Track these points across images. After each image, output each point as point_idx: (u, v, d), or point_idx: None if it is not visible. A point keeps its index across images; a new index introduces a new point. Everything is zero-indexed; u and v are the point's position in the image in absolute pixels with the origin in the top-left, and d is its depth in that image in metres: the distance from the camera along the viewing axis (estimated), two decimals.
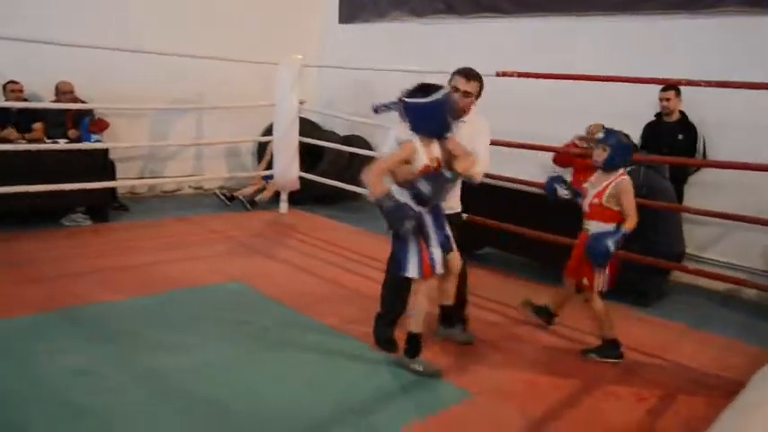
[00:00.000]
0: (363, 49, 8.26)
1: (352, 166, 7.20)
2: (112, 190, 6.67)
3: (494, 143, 5.34)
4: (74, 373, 3.31)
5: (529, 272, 5.61)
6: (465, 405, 3.28)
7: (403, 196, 3.31)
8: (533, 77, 5.28)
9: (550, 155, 5.86)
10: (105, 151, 6.33)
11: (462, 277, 3.92)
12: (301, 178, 7.04)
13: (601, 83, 5.20)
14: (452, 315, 3.88)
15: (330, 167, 7.44)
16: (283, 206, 7.34)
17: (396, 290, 3.74)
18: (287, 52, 6.88)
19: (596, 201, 3.82)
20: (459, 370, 3.66)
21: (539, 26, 6.65)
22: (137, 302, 4.30)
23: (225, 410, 3.07)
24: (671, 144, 5.47)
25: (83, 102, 6.52)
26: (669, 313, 4.87)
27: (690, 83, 4.62)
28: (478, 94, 3.68)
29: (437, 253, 3.41)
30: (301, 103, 7.03)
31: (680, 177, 5.48)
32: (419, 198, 3.30)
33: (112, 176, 6.52)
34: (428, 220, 3.40)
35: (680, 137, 5.49)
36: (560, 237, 4.95)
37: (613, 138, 3.82)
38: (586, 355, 3.95)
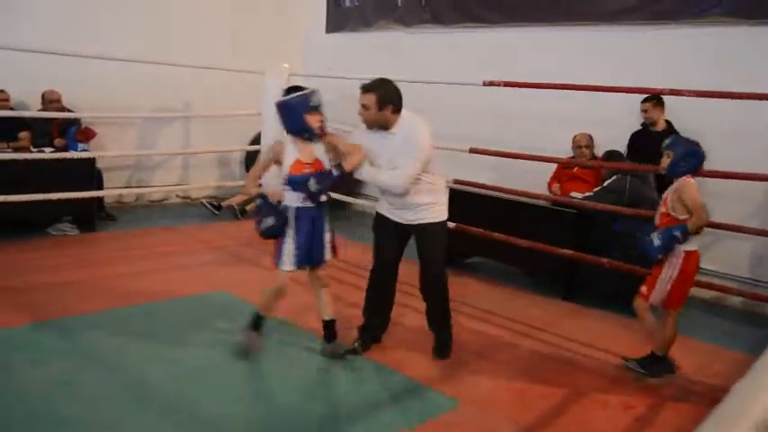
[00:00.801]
0: (350, 58, 8.28)
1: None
2: (99, 199, 6.64)
3: (478, 152, 5.46)
4: (57, 382, 3.28)
5: (518, 281, 5.63)
6: (454, 414, 3.28)
7: (292, 196, 3.53)
8: (519, 87, 5.32)
9: (536, 163, 5.88)
10: (92, 160, 6.28)
11: (442, 294, 3.96)
12: None
13: (588, 92, 5.24)
14: (329, 330, 3.84)
15: None
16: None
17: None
18: (273, 61, 6.88)
19: (663, 210, 3.69)
20: (448, 379, 3.66)
21: (524, 36, 6.70)
22: (122, 312, 4.27)
23: (211, 419, 3.05)
24: (657, 153, 5.49)
25: (69, 111, 6.50)
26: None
27: (673, 92, 4.66)
28: (381, 106, 3.53)
29: (291, 250, 3.55)
30: None
31: (666, 187, 5.49)
32: (310, 196, 3.50)
33: (99, 186, 6.49)
34: (301, 223, 3.54)
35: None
36: (550, 246, 4.97)
37: (678, 144, 3.78)
38: (629, 363, 3.87)
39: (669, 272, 3.62)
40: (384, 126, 3.61)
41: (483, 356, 4.03)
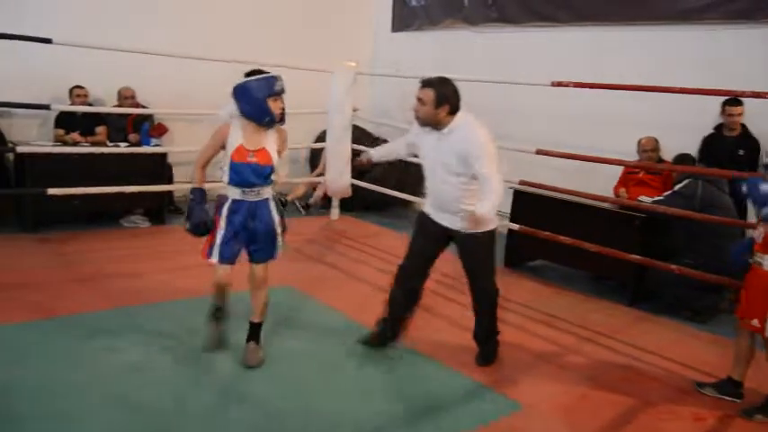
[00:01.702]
0: (415, 57, 8.28)
1: (403, 174, 7.23)
2: (169, 193, 6.85)
3: (546, 153, 5.38)
4: (130, 368, 3.41)
5: (582, 285, 5.52)
6: (516, 417, 3.26)
7: (231, 187, 3.39)
8: (589, 87, 5.21)
9: (604, 166, 5.75)
10: (164, 155, 6.50)
11: (491, 309, 3.80)
12: (353, 185, 7.09)
13: (656, 93, 5.09)
14: (252, 331, 3.66)
15: (382, 175, 7.47)
16: (334, 212, 7.41)
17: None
18: (339, 60, 6.94)
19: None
20: (511, 382, 3.63)
21: (593, 35, 6.56)
22: (191, 303, 4.37)
23: (277, 412, 3.12)
24: (731, 158, 5.31)
25: (143, 107, 6.72)
26: (727, 331, 4.72)
27: (755, 94, 4.46)
28: (438, 104, 3.41)
29: (218, 243, 3.40)
30: (355, 110, 7.07)
31: (738, 194, 5.31)
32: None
33: (170, 180, 6.69)
34: (234, 217, 3.39)
35: (740, 152, 5.32)
36: (616, 250, 4.86)
37: None
38: (703, 388, 3.66)
39: None
40: (436, 125, 3.47)
41: (547, 360, 3.98)
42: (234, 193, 3.40)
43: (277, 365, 3.62)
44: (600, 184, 5.75)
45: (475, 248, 3.62)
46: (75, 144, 6.22)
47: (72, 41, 5.32)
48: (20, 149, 5.61)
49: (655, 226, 5.07)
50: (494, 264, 3.73)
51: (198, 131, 7.61)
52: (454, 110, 3.46)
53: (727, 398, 3.58)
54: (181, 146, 7.20)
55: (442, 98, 3.41)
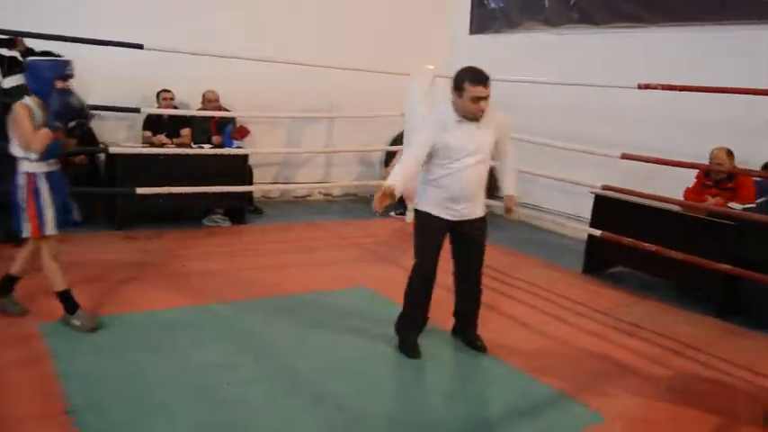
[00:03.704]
0: (494, 60, 8.14)
1: None
2: (249, 193, 7.02)
3: (631, 158, 5.19)
4: (214, 364, 3.50)
5: (665, 294, 5.31)
6: (599, 429, 3.15)
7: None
8: (678, 90, 5.00)
9: (692, 172, 5.51)
10: (245, 157, 6.67)
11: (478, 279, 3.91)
12: None
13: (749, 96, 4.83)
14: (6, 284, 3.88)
15: None
16: (410, 215, 7.40)
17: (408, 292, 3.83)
18: (418, 62, 6.94)
19: None
20: (592, 392, 3.52)
21: (681, 36, 6.30)
22: (270, 302, 4.48)
23: (355, 413, 3.13)
24: None
25: (226, 110, 6.91)
26: None
27: None
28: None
29: (49, 213, 3.58)
30: None
31: None
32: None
33: (250, 181, 6.86)
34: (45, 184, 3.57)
35: None
36: (701, 258, 4.65)
37: None
38: None
39: None
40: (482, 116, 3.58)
41: (630, 371, 3.84)
42: (43, 168, 3.60)
43: (359, 365, 3.65)
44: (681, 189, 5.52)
45: (484, 230, 3.81)
46: (162, 145, 6.46)
47: (160, 47, 5.53)
48: (112, 150, 5.87)
49: (746, 234, 4.81)
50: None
51: (276, 134, 7.82)
52: None
53: None
54: (260, 148, 7.37)
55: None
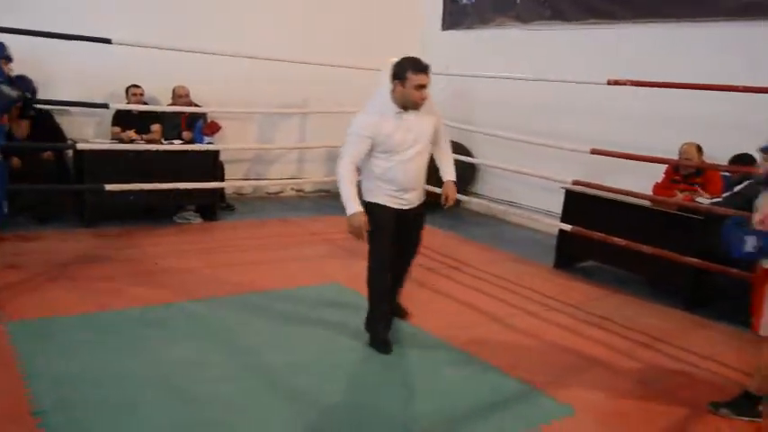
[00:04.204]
0: (466, 55, 8.21)
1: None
2: (221, 190, 6.96)
3: (600, 153, 5.25)
4: (186, 362, 3.47)
5: (634, 288, 5.39)
6: (568, 422, 3.19)
7: None
8: (647, 86, 5.08)
9: (660, 167, 5.58)
10: (216, 153, 6.60)
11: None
12: None
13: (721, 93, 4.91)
14: None
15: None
16: None
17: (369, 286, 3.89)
18: (389, 58, 6.90)
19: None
20: (561, 385, 3.56)
21: (652, 33, 6.38)
22: (242, 299, 4.45)
23: (328, 409, 3.13)
24: None
25: (197, 105, 6.83)
26: None
27: None
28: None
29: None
30: None
31: None
32: None
33: (222, 177, 6.80)
34: None
35: None
36: (670, 252, 4.73)
37: None
38: (717, 410, 3.36)
39: None
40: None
41: (599, 364, 3.89)
42: None
43: (332, 361, 3.65)
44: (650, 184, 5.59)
45: (423, 216, 3.94)
46: (131, 141, 6.37)
47: (129, 41, 5.44)
48: (79, 146, 5.78)
49: (713, 228, 4.89)
50: None
51: (248, 130, 7.76)
52: None
53: (745, 418, 3.31)
54: (231, 144, 7.31)
55: None
